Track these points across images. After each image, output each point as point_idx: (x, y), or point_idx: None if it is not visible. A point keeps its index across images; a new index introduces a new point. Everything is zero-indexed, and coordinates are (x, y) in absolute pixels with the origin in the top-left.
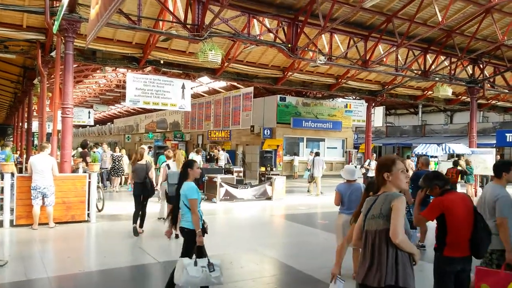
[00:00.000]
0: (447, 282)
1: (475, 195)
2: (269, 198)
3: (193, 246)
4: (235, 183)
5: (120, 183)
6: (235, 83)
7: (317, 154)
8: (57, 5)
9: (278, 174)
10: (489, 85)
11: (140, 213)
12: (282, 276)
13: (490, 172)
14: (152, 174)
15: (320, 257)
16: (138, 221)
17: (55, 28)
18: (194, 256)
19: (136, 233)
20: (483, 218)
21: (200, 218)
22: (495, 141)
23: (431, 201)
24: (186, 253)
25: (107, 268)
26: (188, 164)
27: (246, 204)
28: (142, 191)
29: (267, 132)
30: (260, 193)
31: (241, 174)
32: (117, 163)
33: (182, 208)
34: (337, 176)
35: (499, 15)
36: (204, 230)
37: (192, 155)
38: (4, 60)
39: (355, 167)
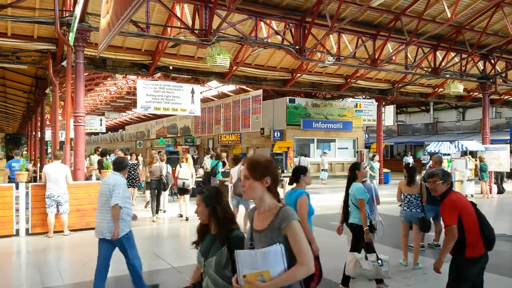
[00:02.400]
0: (468, 285)
1: (490, 192)
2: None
3: (360, 241)
4: None
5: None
6: (244, 86)
7: (302, 155)
8: (66, 15)
9: (289, 177)
10: (501, 80)
11: (156, 203)
12: None
13: (505, 169)
14: (164, 172)
15: (334, 258)
16: (155, 211)
17: (71, 40)
18: (363, 251)
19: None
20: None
21: (368, 217)
22: (509, 137)
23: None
24: (354, 247)
25: (122, 275)
26: (356, 166)
27: None
28: (157, 185)
29: (277, 134)
30: None
31: None
32: (133, 172)
33: (350, 206)
34: None
35: (510, 9)
36: (372, 227)
37: (208, 161)
38: (16, 70)
39: (366, 167)
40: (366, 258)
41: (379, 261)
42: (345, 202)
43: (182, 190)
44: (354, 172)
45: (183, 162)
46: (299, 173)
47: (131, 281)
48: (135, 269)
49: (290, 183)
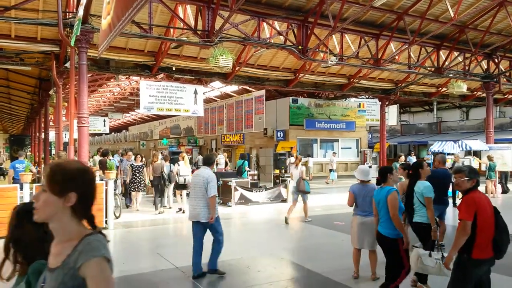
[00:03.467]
0: (471, 285)
1: (495, 192)
2: (284, 201)
3: (426, 238)
4: (249, 187)
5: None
6: (246, 87)
7: (290, 155)
8: (69, 16)
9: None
10: (505, 79)
11: (159, 198)
12: (300, 279)
13: (509, 168)
14: (165, 170)
15: (338, 259)
16: (159, 204)
17: (72, 42)
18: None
19: (159, 212)
20: (502, 217)
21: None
22: None
23: (449, 200)
24: (423, 244)
25: (126, 275)
26: (419, 165)
27: (261, 207)
28: (159, 181)
29: (280, 135)
30: (275, 196)
31: (256, 177)
32: (138, 175)
33: (416, 204)
34: (352, 177)
35: None
36: (438, 225)
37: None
38: (20, 72)
39: (370, 167)
40: (430, 255)
41: (444, 259)
42: (408, 200)
43: (182, 186)
44: (417, 170)
45: (180, 160)
46: (386, 172)
47: (211, 254)
48: (218, 247)
49: (378, 183)
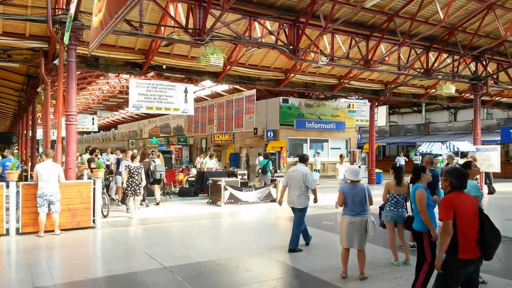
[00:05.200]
0: (458, 284)
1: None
2: (274, 200)
3: None
4: (239, 186)
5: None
6: (237, 86)
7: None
8: (59, 13)
9: (283, 176)
10: (492, 82)
11: (147, 193)
12: (289, 279)
13: (494, 169)
14: (152, 167)
15: (326, 258)
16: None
17: (65, 40)
18: None
19: (145, 205)
20: (489, 218)
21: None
22: (499, 138)
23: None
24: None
25: (113, 275)
26: (468, 166)
27: (251, 207)
28: (147, 177)
29: (270, 134)
30: (265, 195)
31: (245, 177)
32: (136, 177)
33: None
34: None
35: (502, 11)
36: None
37: (206, 160)
38: (7, 69)
39: (359, 167)
40: None
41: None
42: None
43: (158, 181)
44: (466, 171)
45: (155, 158)
46: (419, 171)
47: (303, 237)
48: (296, 231)
49: (412, 182)
